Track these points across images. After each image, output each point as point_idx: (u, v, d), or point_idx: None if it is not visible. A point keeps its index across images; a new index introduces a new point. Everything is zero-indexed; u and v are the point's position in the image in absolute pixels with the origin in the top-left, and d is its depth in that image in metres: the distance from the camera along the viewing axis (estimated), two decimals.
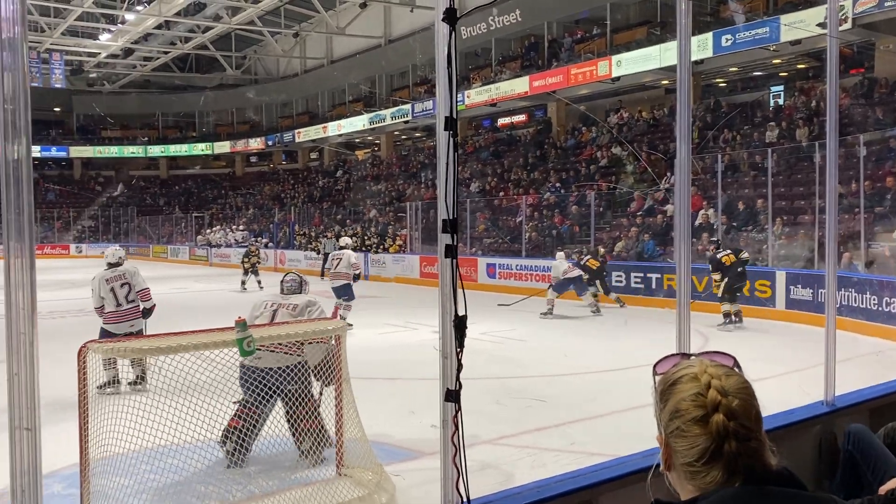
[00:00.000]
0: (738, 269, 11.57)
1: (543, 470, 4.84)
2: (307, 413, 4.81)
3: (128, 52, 37.55)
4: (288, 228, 30.64)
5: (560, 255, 14.61)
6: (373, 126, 31.61)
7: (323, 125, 35.00)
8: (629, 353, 9.28)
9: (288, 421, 4.88)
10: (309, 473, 4.49)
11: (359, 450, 4.62)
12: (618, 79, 21.05)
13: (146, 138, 45.22)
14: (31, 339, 1.67)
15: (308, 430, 4.76)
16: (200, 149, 43.62)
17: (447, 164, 1.98)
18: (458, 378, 2.04)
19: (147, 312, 7.60)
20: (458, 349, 2.03)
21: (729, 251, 11.84)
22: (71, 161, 45.60)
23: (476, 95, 25.19)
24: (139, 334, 7.12)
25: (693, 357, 1.29)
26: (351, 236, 24.77)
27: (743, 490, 1.15)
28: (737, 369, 1.26)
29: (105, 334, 7.30)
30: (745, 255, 11.89)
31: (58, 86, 37.56)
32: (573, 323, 12.64)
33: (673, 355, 1.32)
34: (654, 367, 1.31)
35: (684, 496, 1.21)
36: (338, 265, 12.22)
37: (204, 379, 4.13)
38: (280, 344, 4.56)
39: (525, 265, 17.69)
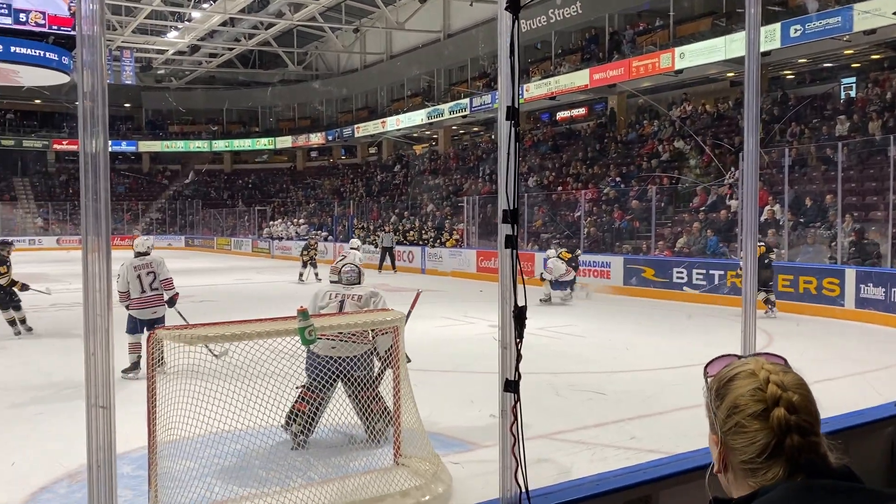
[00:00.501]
0: (766, 261, 11.87)
1: (603, 464, 4.81)
2: (374, 396, 5.02)
3: (194, 49, 38.60)
4: (347, 222, 31.04)
5: (551, 252, 14.79)
6: (431, 120, 31.73)
7: (382, 120, 35.31)
8: (691, 349, 9.11)
9: (356, 405, 5.05)
10: (366, 462, 4.55)
11: (416, 440, 4.66)
12: (681, 71, 20.59)
13: (211, 133, 46.48)
14: (106, 322, 1.75)
15: (377, 412, 4.98)
16: (263, 143, 44.57)
17: (508, 154, 1.98)
18: (517, 368, 2.04)
19: (171, 301, 7.95)
20: (518, 339, 2.04)
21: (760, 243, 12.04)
22: (140, 155, 47.16)
23: (535, 89, 25.00)
24: (161, 321, 7.58)
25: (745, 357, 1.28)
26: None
27: (808, 484, 1.12)
28: None
29: (131, 320, 7.69)
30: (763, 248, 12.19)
31: (128, 82, 38.82)
32: (633, 319, 12.46)
33: (724, 356, 1.30)
34: (706, 368, 1.29)
35: (740, 495, 1.18)
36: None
37: (269, 367, 4.23)
38: (352, 334, 4.70)
39: (583, 261, 17.50)
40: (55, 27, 21.87)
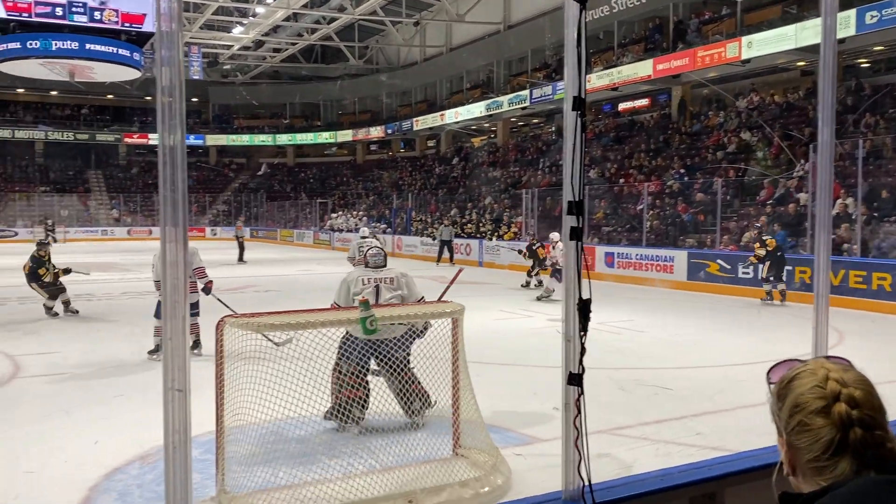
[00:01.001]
0: (778, 253, 12.93)
1: (667, 460, 4.74)
2: (410, 378, 5.10)
3: (259, 44, 39.40)
4: (405, 215, 31.27)
5: (555, 235, 14.04)
6: (490, 113, 31.63)
7: (440, 113, 35.39)
8: (759, 346, 8.89)
9: (393, 386, 5.14)
10: (425, 452, 4.59)
11: (475, 432, 4.68)
12: (748, 61, 19.99)
13: (275, 127, 47.47)
14: (183, 308, 1.81)
15: (414, 392, 5.07)
16: (324, 137, 45.26)
17: (574, 144, 1.96)
18: (580, 362, 2.03)
19: (206, 289, 8.25)
20: (582, 333, 2.03)
21: (771, 236, 13.53)
22: (207, 149, 48.49)
23: (597, 80, 24.64)
24: (193, 308, 7.88)
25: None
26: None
27: (877, 479, 1.10)
28: None
29: (160, 305, 7.79)
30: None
31: (196, 77, 39.87)
32: (697, 314, 12.21)
33: (785, 361, 1.30)
34: (768, 373, 1.30)
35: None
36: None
37: (331, 356, 4.30)
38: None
39: (645, 255, 17.23)
40: (127, 24, 22.62)
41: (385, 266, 5.91)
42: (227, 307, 8.13)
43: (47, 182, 44.91)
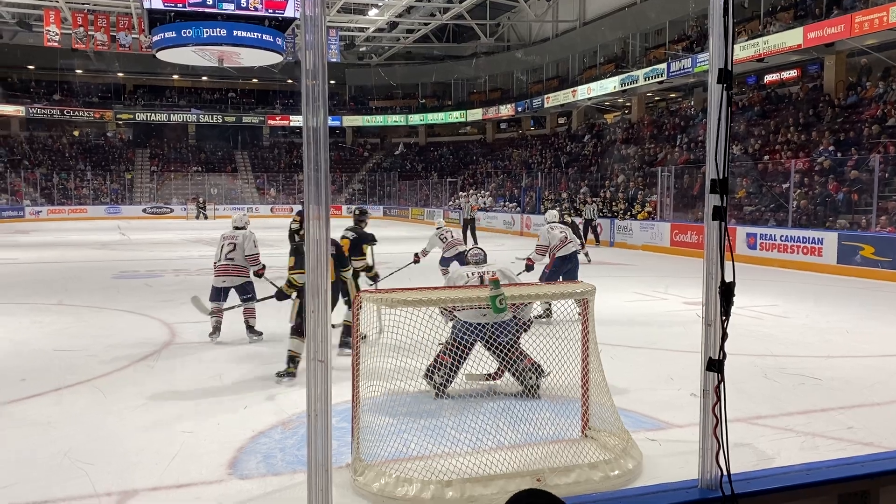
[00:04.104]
0: None
1: (814, 454, 4.48)
2: (520, 354, 5.32)
3: (392, 26, 40.14)
4: (535, 194, 31.04)
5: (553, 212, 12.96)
6: (624, 88, 30.68)
7: (572, 89, 34.71)
8: None
9: (505, 366, 5.36)
10: (553, 432, 4.57)
11: (605, 414, 4.61)
12: None
13: (408, 107, 48.45)
14: (325, 283, 1.89)
15: (527, 368, 5.29)
16: (455, 116, 45.66)
17: (719, 119, 1.87)
18: (721, 347, 1.95)
19: (257, 275, 8.19)
20: (724, 318, 1.94)
21: None
22: (344, 129, 50.25)
23: (741, 51, 23.27)
24: (238, 290, 7.97)
25: None
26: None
27: None
28: None
29: (213, 287, 8.10)
30: None
31: (333, 60, 41.25)
32: (848, 300, 11.36)
33: None
34: None
35: None
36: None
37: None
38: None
39: (791, 236, 16.19)
40: (270, 10, 23.73)
41: (485, 262, 6.46)
42: (277, 288, 8.40)
43: (199, 162, 48.17)
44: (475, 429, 4.46)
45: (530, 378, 5.28)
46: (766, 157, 21.19)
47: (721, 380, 1.94)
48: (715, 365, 1.95)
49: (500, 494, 3.83)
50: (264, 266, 8.27)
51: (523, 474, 4.03)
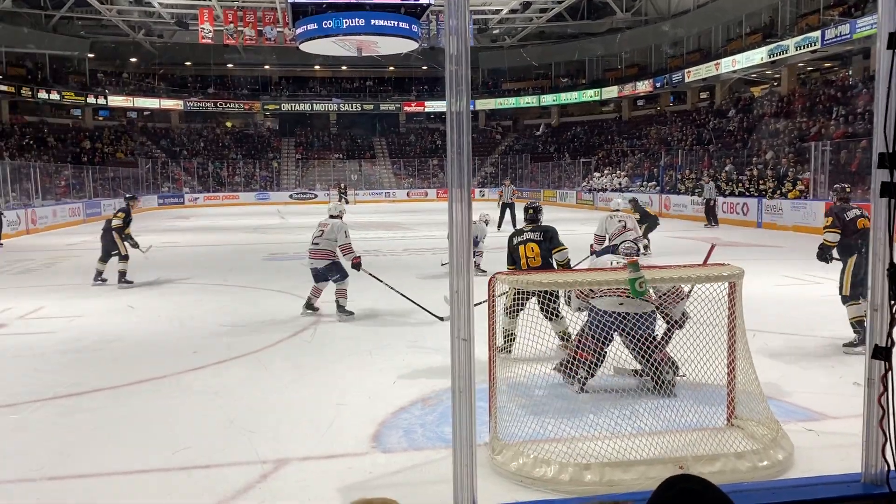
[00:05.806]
0: None
1: None
2: (656, 348, 5.07)
3: (525, 6, 39.76)
4: (674, 172, 29.88)
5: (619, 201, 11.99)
6: (772, 59, 28.79)
7: (715, 62, 33.00)
8: None
9: (640, 359, 5.14)
10: (696, 419, 4.43)
11: (753, 403, 4.41)
12: None
13: (540, 88, 47.93)
14: (468, 263, 1.93)
15: (662, 362, 5.05)
16: (589, 95, 44.66)
17: (889, 88, 1.73)
18: (890, 334, 1.82)
19: (355, 266, 8.40)
20: (892, 302, 1.80)
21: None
22: (477, 113, 50.51)
23: None
24: (323, 273, 8.41)
25: None
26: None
27: None
28: None
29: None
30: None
31: (470, 44, 41.50)
32: None
33: None
34: None
35: None
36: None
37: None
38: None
39: None
40: None
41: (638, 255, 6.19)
42: (380, 280, 8.65)
43: (340, 149, 50.12)
44: (613, 414, 4.40)
45: (665, 374, 5.02)
46: None
47: (889, 368, 1.81)
48: (882, 352, 1.82)
49: (640, 480, 3.77)
50: (359, 256, 8.56)
51: (665, 461, 3.94)
